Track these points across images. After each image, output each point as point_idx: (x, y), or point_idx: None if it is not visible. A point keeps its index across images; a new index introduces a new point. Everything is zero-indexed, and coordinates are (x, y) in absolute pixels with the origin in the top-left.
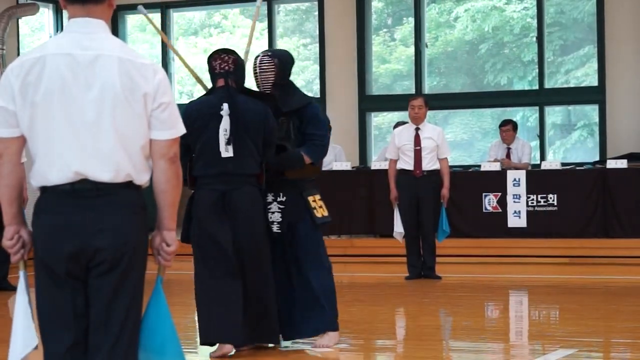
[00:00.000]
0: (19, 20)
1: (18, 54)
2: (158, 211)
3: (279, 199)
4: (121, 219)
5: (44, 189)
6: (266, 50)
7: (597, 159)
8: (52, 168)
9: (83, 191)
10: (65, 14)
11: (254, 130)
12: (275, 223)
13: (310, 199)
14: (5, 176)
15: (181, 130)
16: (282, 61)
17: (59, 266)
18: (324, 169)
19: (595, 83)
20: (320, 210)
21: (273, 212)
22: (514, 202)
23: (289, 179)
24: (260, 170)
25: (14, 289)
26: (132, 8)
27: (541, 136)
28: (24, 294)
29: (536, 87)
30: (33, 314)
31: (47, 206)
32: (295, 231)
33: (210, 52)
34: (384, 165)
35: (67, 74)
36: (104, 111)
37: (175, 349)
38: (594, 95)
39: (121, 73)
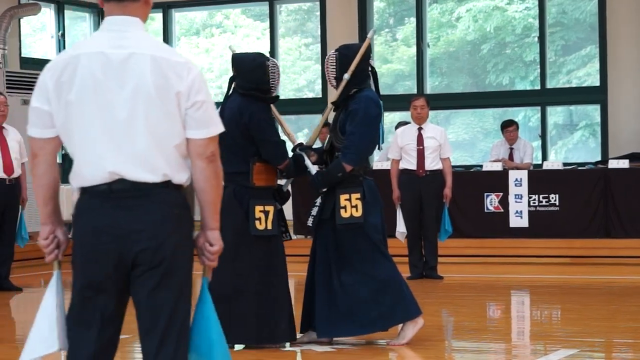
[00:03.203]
0: (21, 20)
1: (20, 54)
2: (200, 211)
3: (322, 194)
4: (160, 219)
5: (83, 190)
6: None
7: (599, 159)
8: (88, 168)
9: (120, 191)
10: (66, 14)
11: (228, 127)
12: (311, 216)
13: (343, 197)
14: (40, 176)
15: (219, 128)
16: (342, 54)
17: (97, 269)
18: None
19: (597, 83)
20: (351, 210)
21: (315, 206)
22: (516, 202)
23: None
24: (249, 168)
25: (15, 289)
26: None
27: (543, 136)
28: (53, 295)
29: (538, 87)
30: (58, 317)
31: (86, 207)
32: (333, 228)
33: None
34: (386, 165)
35: (99, 72)
36: (136, 110)
37: (222, 352)
38: (596, 95)
39: (154, 71)
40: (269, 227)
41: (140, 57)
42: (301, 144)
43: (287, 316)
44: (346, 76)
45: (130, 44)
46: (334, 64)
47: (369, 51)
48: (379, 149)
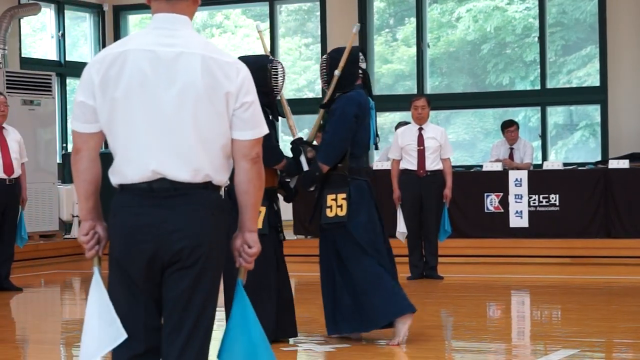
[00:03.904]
0: (21, 20)
1: (20, 54)
2: (240, 212)
3: (317, 194)
4: (198, 220)
5: (121, 187)
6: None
7: (599, 159)
8: (130, 165)
9: (161, 191)
10: (67, 14)
11: None
12: (309, 218)
13: (330, 197)
14: (82, 171)
15: (264, 130)
16: (332, 57)
17: (133, 267)
18: None
19: (597, 83)
20: (336, 210)
21: (315, 208)
22: (516, 202)
23: (323, 175)
24: None
25: (16, 289)
26: (133, 8)
27: (543, 136)
28: (99, 291)
29: (538, 87)
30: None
31: (124, 205)
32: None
33: None
34: (387, 165)
35: (148, 70)
36: (184, 109)
37: (267, 352)
38: (596, 95)
39: (204, 71)
40: (259, 226)
41: (190, 56)
42: (300, 138)
43: (282, 313)
44: (337, 72)
45: (180, 42)
46: (325, 67)
47: (357, 53)
48: (376, 148)
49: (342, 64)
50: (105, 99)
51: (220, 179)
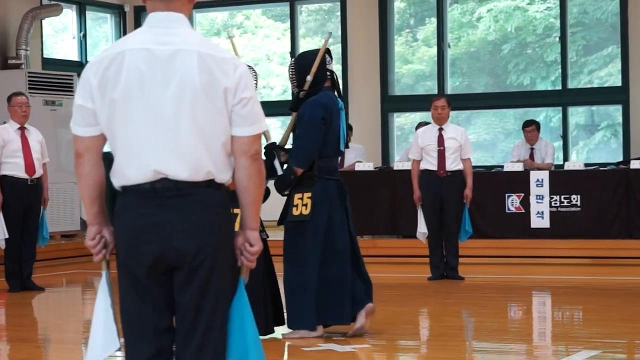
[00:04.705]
0: (43, 21)
1: (42, 55)
2: (241, 210)
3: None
4: (202, 219)
5: (124, 189)
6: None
7: (621, 159)
8: (131, 166)
9: (164, 190)
10: (88, 15)
11: None
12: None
13: (297, 195)
14: (85, 175)
15: (263, 126)
16: (297, 64)
17: (139, 268)
18: (346, 169)
19: (619, 83)
20: (301, 209)
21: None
22: (537, 202)
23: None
24: None
25: (38, 288)
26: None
27: (564, 136)
28: (105, 295)
29: (559, 87)
30: (115, 316)
31: (128, 206)
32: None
33: None
34: (407, 166)
35: (145, 69)
36: (183, 107)
37: (258, 353)
38: (618, 95)
39: (201, 68)
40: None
41: (186, 54)
42: (273, 143)
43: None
44: (309, 78)
45: (176, 40)
46: (293, 72)
47: (324, 56)
48: (346, 147)
49: (314, 69)
50: (104, 101)
51: (223, 177)
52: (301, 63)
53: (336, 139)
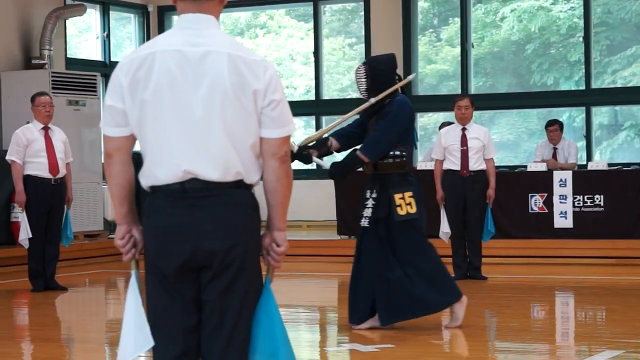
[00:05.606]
0: (66, 21)
1: (65, 55)
2: (268, 211)
3: (373, 195)
4: (232, 219)
5: (153, 189)
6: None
7: None
8: (161, 167)
9: (193, 191)
10: (111, 15)
11: None
12: (364, 217)
13: (397, 196)
14: (115, 176)
15: (292, 129)
16: (371, 67)
17: (168, 267)
18: None
19: None
20: (406, 208)
21: (367, 207)
22: (560, 202)
23: (379, 176)
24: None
25: (61, 288)
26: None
27: (588, 136)
28: (135, 294)
29: (583, 87)
30: (144, 316)
31: (157, 207)
32: (387, 226)
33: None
34: (430, 166)
35: (176, 70)
36: (213, 109)
37: (288, 352)
38: None
39: (231, 70)
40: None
41: (216, 55)
42: (301, 147)
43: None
44: (372, 100)
45: (207, 41)
46: (364, 76)
47: (394, 59)
48: (415, 148)
49: (381, 96)
50: (134, 102)
51: (252, 178)
52: (374, 66)
53: (414, 140)
